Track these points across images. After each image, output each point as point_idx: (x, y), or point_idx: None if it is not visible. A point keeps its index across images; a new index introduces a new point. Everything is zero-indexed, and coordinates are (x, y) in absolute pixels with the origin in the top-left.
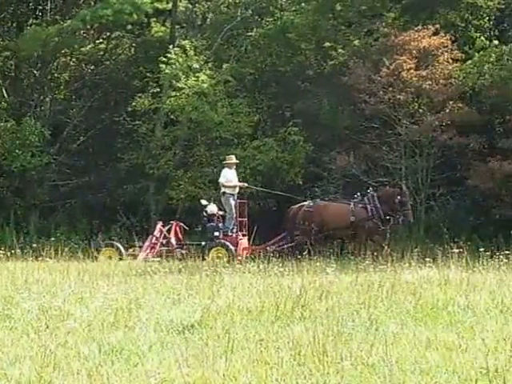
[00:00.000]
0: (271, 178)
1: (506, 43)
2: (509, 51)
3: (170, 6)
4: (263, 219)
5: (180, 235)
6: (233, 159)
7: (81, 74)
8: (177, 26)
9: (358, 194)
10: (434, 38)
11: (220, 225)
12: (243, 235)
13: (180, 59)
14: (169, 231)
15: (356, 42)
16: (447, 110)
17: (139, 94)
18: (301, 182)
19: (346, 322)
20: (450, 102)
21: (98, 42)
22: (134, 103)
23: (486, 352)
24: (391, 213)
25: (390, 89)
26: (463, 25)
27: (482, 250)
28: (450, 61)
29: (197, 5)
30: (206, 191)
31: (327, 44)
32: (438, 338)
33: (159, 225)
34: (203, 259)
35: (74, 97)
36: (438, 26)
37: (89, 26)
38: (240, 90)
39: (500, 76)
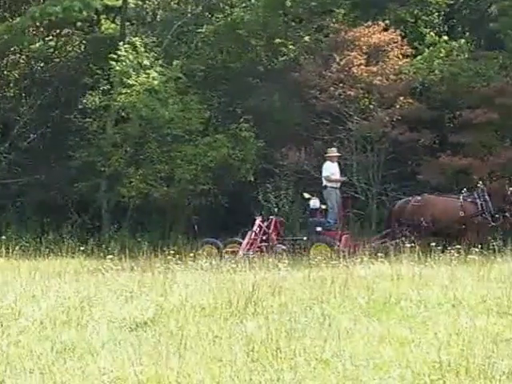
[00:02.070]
0: (222, 175)
1: (455, 39)
2: (458, 47)
3: (119, 2)
4: (214, 216)
5: (280, 230)
6: (334, 152)
7: (30, 72)
8: (127, 23)
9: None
10: (384, 33)
11: (322, 219)
12: (345, 230)
13: (130, 56)
14: (268, 226)
15: (306, 38)
16: (398, 106)
17: (90, 92)
18: (252, 179)
19: (299, 318)
20: (401, 98)
21: (47, 39)
22: (84, 100)
23: (439, 346)
24: (503, 208)
25: (341, 85)
26: (413, 21)
27: (433, 244)
28: (400, 56)
29: (147, 2)
30: (157, 188)
31: (277, 40)
32: (391, 332)
33: (258, 220)
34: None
35: (23, 94)
36: (387, 21)
37: (38, 23)
38: (191, 87)
39: (450, 71)
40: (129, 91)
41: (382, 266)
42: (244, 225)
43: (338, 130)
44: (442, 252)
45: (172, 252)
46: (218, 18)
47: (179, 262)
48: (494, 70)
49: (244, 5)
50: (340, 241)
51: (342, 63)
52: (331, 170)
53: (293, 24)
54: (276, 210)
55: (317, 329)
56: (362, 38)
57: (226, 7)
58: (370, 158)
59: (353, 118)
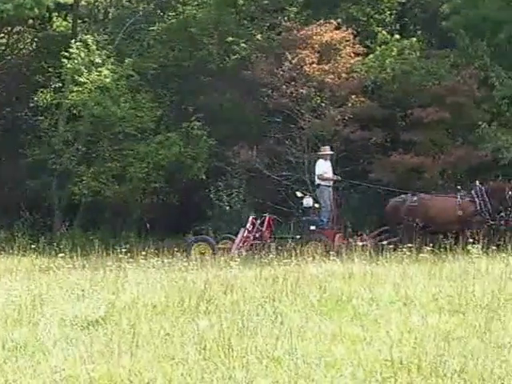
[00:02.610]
0: (174, 173)
1: (407, 37)
2: (410, 45)
3: (71, 0)
4: (166, 214)
5: (273, 228)
6: (327, 150)
7: None
8: (79, 21)
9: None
10: (336, 32)
11: (316, 218)
12: (338, 229)
13: (82, 54)
14: (262, 224)
15: (258, 37)
16: (349, 104)
17: (41, 89)
18: (204, 177)
19: (251, 316)
20: (353, 96)
21: None
22: (36, 98)
23: (391, 344)
24: (501, 208)
25: (293, 83)
26: (365, 19)
27: (385, 243)
28: (352, 55)
29: None
30: (109, 186)
31: (230, 38)
32: (343, 330)
33: (251, 217)
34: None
35: None
36: (339, 20)
37: None
38: (143, 85)
39: (401, 70)
40: (80, 89)
41: (333, 265)
42: (196, 223)
43: (290, 128)
44: (394, 250)
45: (124, 250)
46: (169, 15)
47: (131, 260)
48: (446, 69)
49: (196, 3)
50: (334, 239)
51: (294, 61)
52: (324, 168)
53: (245, 22)
54: (228, 208)
55: (269, 327)
56: (314, 37)
57: (178, 5)
58: None
59: (305, 116)
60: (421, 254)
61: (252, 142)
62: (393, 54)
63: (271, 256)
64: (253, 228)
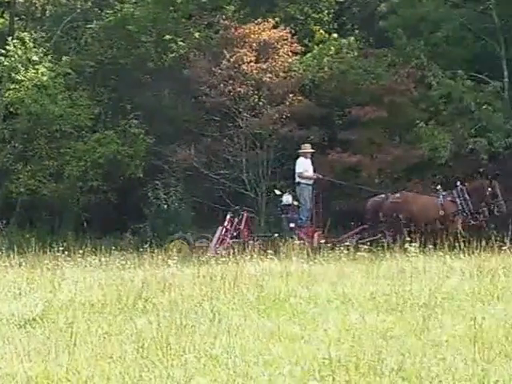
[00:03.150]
0: (112, 172)
1: (344, 36)
2: (348, 44)
3: None
4: (103, 212)
5: (251, 226)
6: (308, 148)
7: None
8: (16, 18)
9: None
10: (274, 31)
11: (295, 216)
12: (317, 227)
13: (19, 51)
14: (240, 222)
15: (196, 35)
16: (287, 103)
17: None
18: (142, 175)
19: (189, 315)
20: (290, 95)
21: None
22: None
23: (329, 342)
24: (483, 205)
25: (231, 81)
26: (303, 18)
27: (322, 241)
28: (290, 54)
29: None
30: (46, 185)
31: (167, 36)
32: (281, 329)
33: (229, 215)
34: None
35: None
36: (277, 19)
37: None
38: (80, 83)
39: (339, 69)
40: (17, 87)
41: (271, 263)
42: (134, 221)
43: (228, 126)
44: (332, 249)
45: (61, 249)
46: (107, 13)
47: (68, 258)
48: (383, 68)
49: (134, 1)
50: (313, 237)
51: (231, 60)
52: (305, 166)
53: (183, 20)
54: (165, 206)
55: (207, 325)
56: (252, 35)
57: (116, 3)
58: (260, 154)
59: (242, 114)
60: (358, 253)
61: (190, 141)
62: (330, 52)
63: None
64: (231, 226)
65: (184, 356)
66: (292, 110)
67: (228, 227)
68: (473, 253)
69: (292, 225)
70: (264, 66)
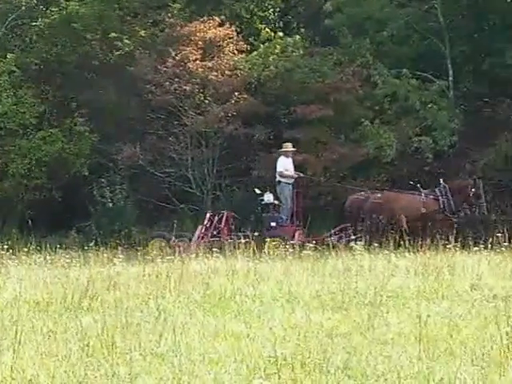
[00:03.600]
0: (57, 170)
1: (290, 35)
2: (293, 43)
3: None
4: (48, 211)
5: (231, 225)
6: (289, 147)
7: None
8: None
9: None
10: (220, 29)
11: (276, 215)
12: (298, 226)
13: None
14: (220, 221)
15: (142, 33)
16: (233, 101)
17: None
18: (87, 173)
19: (135, 313)
20: (236, 93)
21: None
22: None
23: (274, 341)
24: (465, 205)
25: (176, 79)
26: (248, 16)
27: (268, 240)
28: (236, 52)
29: None
30: None
31: (113, 34)
32: (227, 327)
33: (208, 214)
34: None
35: None
36: (223, 17)
37: None
38: (25, 81)
39: (284, 67)
40: None
41: (216, 262)
42: (79, 219)
43: (173, 124)
44: (277, 247)
45: (5, 247)
46: (52, 11)
47: (13, 256)
48: (329, 67)
49: None
50: (293, 236)
51: (177, 58)
52: (286, 165)
53: (128, 18)
54: (111, 204)
55: (152, 323)
56: (198, 33)
57: (61, 0)
58: (205, 153)
59: (188, 113)
60: (304, 251)
61: (135, 139)
62: (276, 51)
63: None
64: (210, 225)
65: (129, 354)
66: (237, 108)
67: (208, 226)
68: (418, 251)
69: (273, 224)
70: (209, 65)
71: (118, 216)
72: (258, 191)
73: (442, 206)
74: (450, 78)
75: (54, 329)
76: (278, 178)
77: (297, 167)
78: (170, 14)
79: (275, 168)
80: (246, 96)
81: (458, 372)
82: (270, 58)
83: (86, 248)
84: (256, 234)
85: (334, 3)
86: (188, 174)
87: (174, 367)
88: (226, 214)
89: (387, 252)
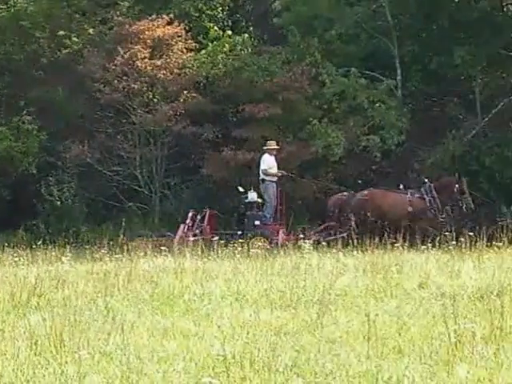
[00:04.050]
0: (5, 168)
1: (239, 34)
2: (242, 41)
3: None
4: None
5: (214, 223)
6: (273, 145)
7: None
8: None
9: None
10: (168, 27)
11: (260, 213)
12: (281, 224)
13: None
14: (202, 219)
15: (90, 31)
16: (181, 100)
17: None
18: (35, 172)
19: (83, 312)
20: (184, 92)
21: None
22: None
23: (223, 339)
24: (450, 202)
25: (125, 78)
26: (197, 15)
27: (216, 238)
28: (184, 50)
29: None
30: None
31: (61, 32)
32: (175, 325)
33: (191, 213)
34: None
35: None
36: (172, 15)
37: None
38: None
39: (233, 66)
40: None
41: (165, 260)
42: (27, 218)
43: (122, 123)
44: (225, 246)
45: None
46: (1, 8)
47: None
48: (277, 65)
49: None
50: (277, 234)
51: (126, 56)
52: (269, 163)
53: (77, 16)
54: (59, 203)
55: (100, 322)
56: (147, 32)
57: None
58: (154, 151)
59: (136, 111)
60: (252, 250)
61: (83, 137)
62: (225, 50)
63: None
64: (193, 224)
65: (78, 353)
66: (186, 106)
67: (190, 224)
68: (366, 250)
69: (257, 222)
70: (158, 63)
71: (66, 214)
72: (241, 189)
73: (428, 205)
74: (398, 77)
75: (2, 327)
76: (261, 176)
77: (245, 166)
78: (118, 13)
79: (258, 166)
80: (194, 94)
81: (407, 370)
82: (219, 57)
83: (34, 246)
84: (239, 232)
85: (283, 2)
86: (136, 173)
87: (122, 366)
88: (208, 212)
89: (335, 251)
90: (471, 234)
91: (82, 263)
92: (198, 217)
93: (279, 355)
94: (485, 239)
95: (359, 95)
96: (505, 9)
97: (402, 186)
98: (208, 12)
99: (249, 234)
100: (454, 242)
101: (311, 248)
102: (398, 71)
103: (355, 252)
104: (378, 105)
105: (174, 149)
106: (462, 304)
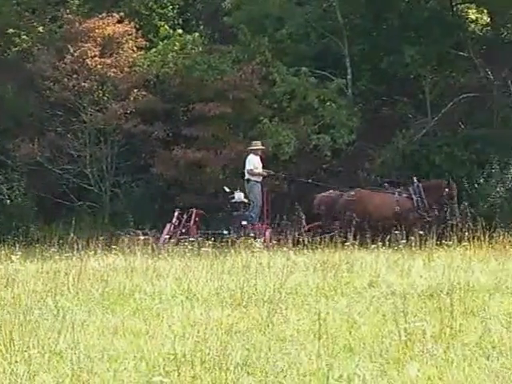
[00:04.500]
0: None
1: (189, 32)
2: (192, 40)
3: None
4: None
5: (199, 223)
6: (259, 145)
7: None
8: None
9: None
10: (119, 25)
11: (246, 213)
12: (267, 224)
13: None
14: (189, 219)
15: (40, 29)
16: (132, 98)
17: None
18: None
19: (33, 310)
20: (135, 90)
21: None
22: None
23: (174, 338)
24: (437, 205)
25: (75, 76)
26: (147, 13)
27: (166, 237)
28: (135, 49)
29: None
30: None
31: (11, 30)
32: (126, 324)
33: (176, 212)
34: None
35: None
36: (122, 13)
37: None
38: None
39: (184, 64)
40: None
41: (115, 259)
42: None
43: (72, 121)
44: (176, 245)
45: None
46: None
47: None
48: (228, 64)
49: None
50: (264, 234)
51: (76, 54)
52: (255, 163)
53: (26, 14)
54: (8, 201)
55: (51, 321)
56: (97, 30)
57: None
58: (104, 150)
59: (87, 109)
60: (203, 249)
61: (33, 136)
62: (175, 48)
63: None
64: (179, 223)
65: (28, 352)
66: (136, 105)
67: (176, 224)
68: (316, 248)
69: (244, 222)
70: (108, 61)
71: (15, 213)
72: (227, 189)
73: (415, 205)
74: (349, 77)
75: None
76: (247, 176)
77: (196, 165)
78: (68, 10)
79: (244, 166)
80: (144, 93)
81: (357, 368)
82: (169, 55)
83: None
84: (225, 232)
85: (233, 1)
86: (86, 171)
87: (73, 365)
88: (194, 211)
89: (286, 249)
90: (421, 232)
91: (31, 262)
92: (185, 216)
93: (230, 354)
94: (435, 238)
95: (310, 94)
96: (454, 8)
97: (386, 185)
98: (158, 10)
99: (236, 235)
100: (404, 241)
101: (261, 247)
102: (349, 70)
103: (306, 251)
104: (328, 104)
105: (124, 147)
106: (412, 302)
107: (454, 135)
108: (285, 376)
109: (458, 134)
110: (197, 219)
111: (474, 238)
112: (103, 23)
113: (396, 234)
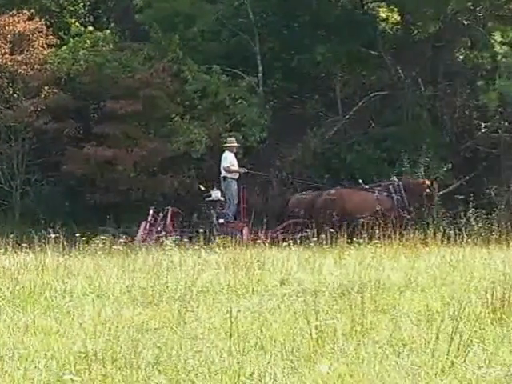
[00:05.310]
0: None
1: (100, 29)
2: (103, 37)
3: None
4: None
5: (175, 221)
6: (234, 142)
7: None
8: None
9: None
10: (29, 22)
11: (223, 211)
12: (244, 222)
13: None
14: (165, 217)
15: None
16: (42, 96)
17: None
18: None
19: None
20: (46, 88)
21: None
22: None
23: (85, 336)
24: (416, 204)
25: None
26: (58, 10)
27: (78, 235)
28: (46, 46)
29: None
30: None
31: None
32: (36, 322)
33: (151, 210)
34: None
35: None
36: (33, 10)
37: None
38: None
39: (95, 62)
40: None
41: (26, 257)
42: None
43: None
44: (87, 243)
45: None
46: None
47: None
48: (139, 62)
49: None
50: (241, 233)
51: None
52: (231, 160)
53: None
54: None
55: None
56: (7, 27)
57: None
58: (14, 147)
59: None
60: (114, 247)
61: None
62: (86, 45)
63: None
64: (155, 221)
65: None
66: (47, 102)
67: (152, 222)
68: (228, 246)
69: (221, 220)
70: (19, 58)
71: None
72: (202, 188)
73: (395, 203)
74: (260, 75)
75: None
76: (223, 174)
77: (107, 162)
78: None
79: (220, 164)
80: (55, 90)
81: (268, 366)
82: (80, 53)
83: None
84: (201, 230)
85: None
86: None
87: None
88: (170, 209)
89: (197, 247)
90: (332, 230)
91: None
92: (161, 214)
93: (141, 352)
94: (345, 236)
95: (221, 92)
96: (365, 7)
97: (363, 184)
98: (69, 7)
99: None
100: (314, 239)
101: (173, 245)
102: (260, 68)
103: (217, 249)
104: (239, 102)
105: (35, 145)
106: (323, 300)
107: (364, 133)
108: (196, 374)
109: (369, 132)
110: (173, 217)
111: (384, 235)
112: (13, 20)
113: (307, 232)
